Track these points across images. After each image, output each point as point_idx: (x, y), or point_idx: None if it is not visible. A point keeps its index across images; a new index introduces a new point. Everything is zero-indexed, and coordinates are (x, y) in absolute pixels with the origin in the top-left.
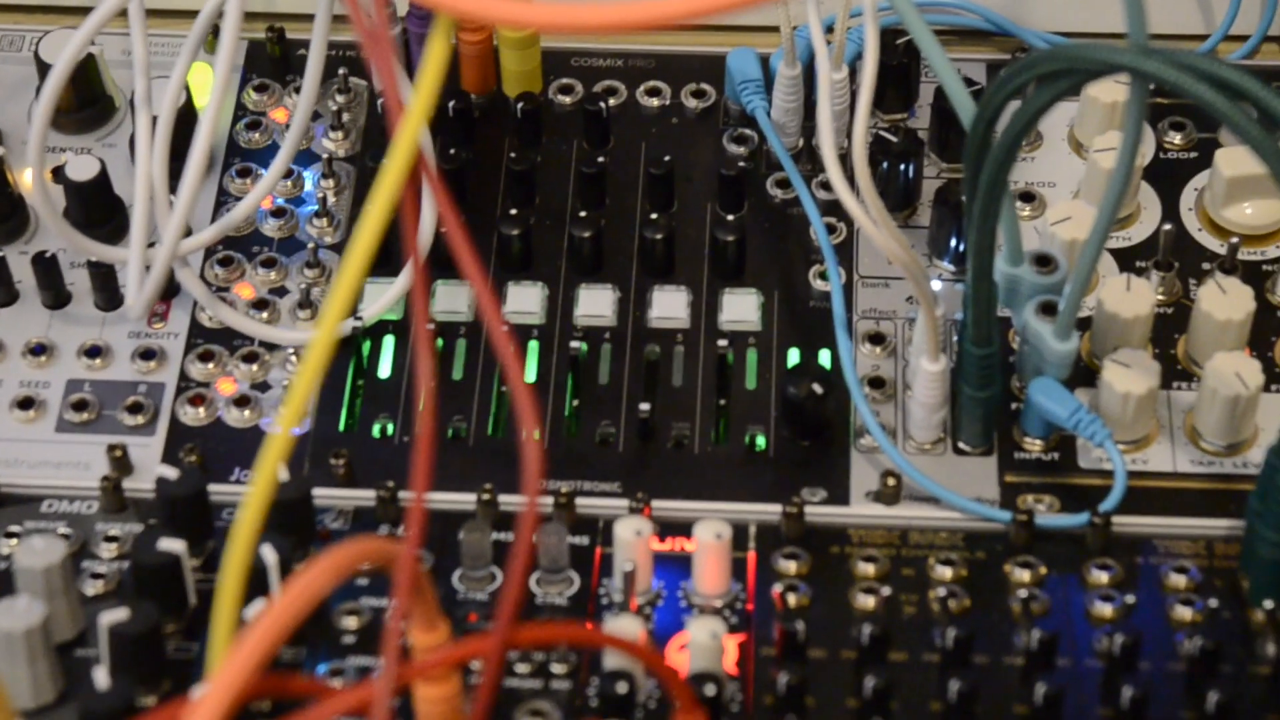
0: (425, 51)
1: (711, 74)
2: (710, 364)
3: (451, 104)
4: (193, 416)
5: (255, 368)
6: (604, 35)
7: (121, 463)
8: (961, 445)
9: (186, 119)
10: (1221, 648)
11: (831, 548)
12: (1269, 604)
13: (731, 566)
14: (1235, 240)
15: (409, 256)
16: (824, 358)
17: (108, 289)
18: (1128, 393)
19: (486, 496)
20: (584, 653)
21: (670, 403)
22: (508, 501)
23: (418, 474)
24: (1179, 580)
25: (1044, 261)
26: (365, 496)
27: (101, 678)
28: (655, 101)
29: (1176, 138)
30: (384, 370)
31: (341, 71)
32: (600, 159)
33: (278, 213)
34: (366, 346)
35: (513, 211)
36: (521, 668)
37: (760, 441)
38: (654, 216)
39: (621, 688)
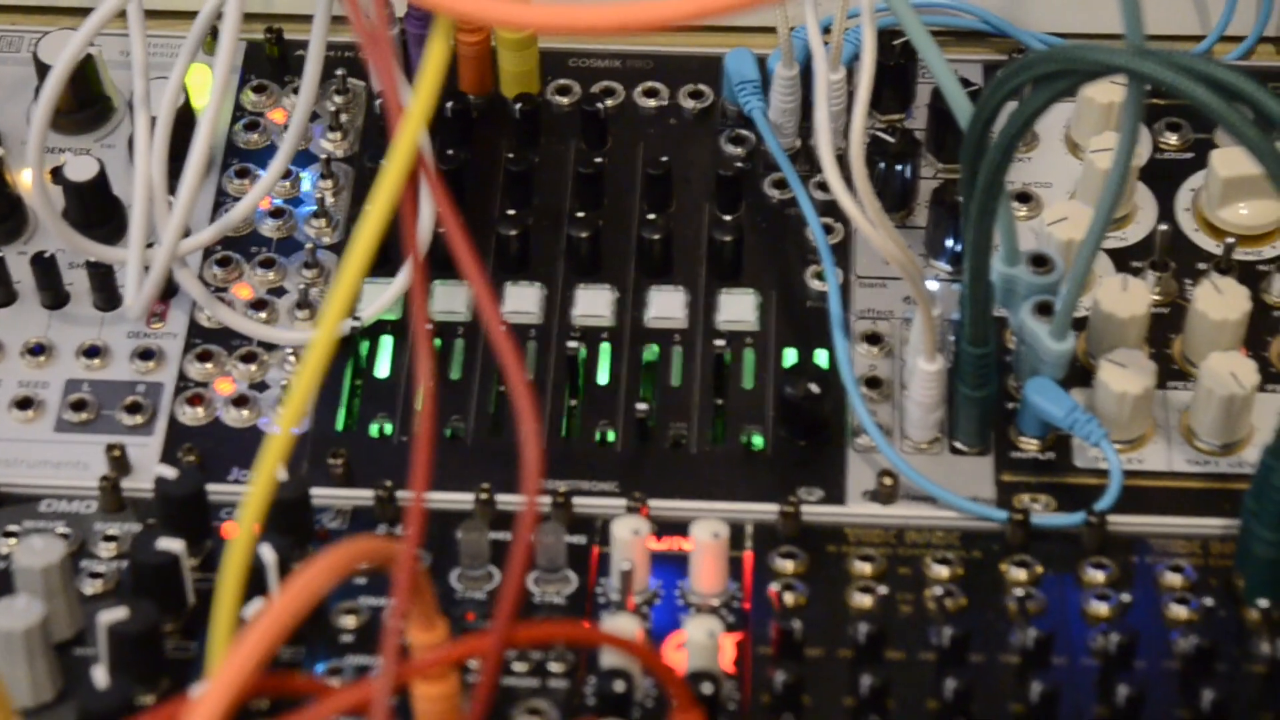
0: (425, 52)
1: (709, 75)
2: (708, 364)
3: (449, 104)
4: (191, 416)
5: (254, 368)
6: (602, 36)
7: (120, 462)
8: (958, 445)
9: (185, 120)
10: (1217, 646)
11: (828, 547)
12: (1264, 603)
13: (728, 565)
14: (1231, 240)
15: (408, 256)
16: (821, 358)
17: (106, 289)
18: (1123, 392)
19: (484, 496)
20: (581, 652)
21: (668, 403)
22: (505, 501)
23: (416, 473)
24: (1174, 579)
25: (1040, 261)
26: (363, 496)
27: (100, 677)
28: (653, 102)
29: (1172, 138)
30: (382, 370)
31: (340, 72)
32: (598, 159)
33: (276, 213)
34: (365, 346)
35: (510, 212)
36: (519, 666)
37: (757, 441)
38: (651, 217)
39: (619, 686)
